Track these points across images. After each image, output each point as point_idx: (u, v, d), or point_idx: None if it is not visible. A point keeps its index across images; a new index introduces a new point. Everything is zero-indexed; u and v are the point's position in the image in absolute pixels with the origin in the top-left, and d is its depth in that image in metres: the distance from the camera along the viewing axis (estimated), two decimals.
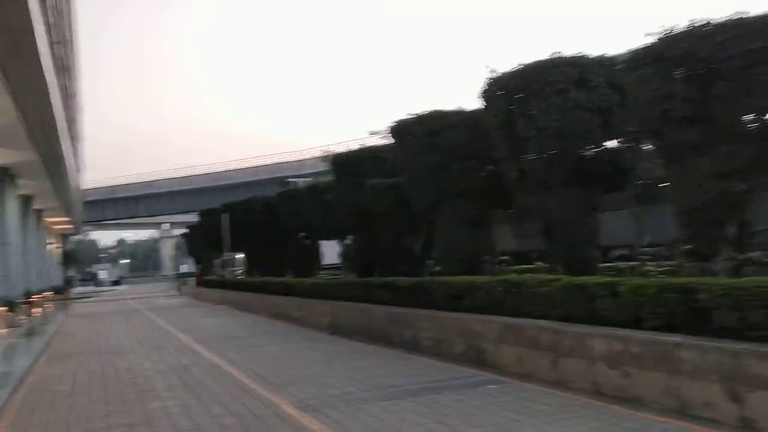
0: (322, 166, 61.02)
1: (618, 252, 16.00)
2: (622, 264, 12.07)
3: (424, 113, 13.43)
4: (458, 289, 10.53)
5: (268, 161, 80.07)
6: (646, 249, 13.20)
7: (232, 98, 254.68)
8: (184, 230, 62.88)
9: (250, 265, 31.57)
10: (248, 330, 16.54)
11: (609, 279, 7.64)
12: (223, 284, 29.92)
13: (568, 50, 10.34)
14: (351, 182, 16.73)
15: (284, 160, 78.60)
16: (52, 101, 17.98)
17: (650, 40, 8.29)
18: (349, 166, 17.00)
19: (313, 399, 7.61)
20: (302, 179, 52.66)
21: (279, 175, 74.11)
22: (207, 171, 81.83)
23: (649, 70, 8.27)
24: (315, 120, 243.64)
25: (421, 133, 13.19)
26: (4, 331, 18.32)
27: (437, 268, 16.66)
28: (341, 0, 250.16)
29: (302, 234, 24.02)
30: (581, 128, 9.79)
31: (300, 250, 23.91)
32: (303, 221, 21.85)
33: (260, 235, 27.36)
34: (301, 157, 76.44)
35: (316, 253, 23.88)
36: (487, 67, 11.03)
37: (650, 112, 8.45)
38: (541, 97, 10.03)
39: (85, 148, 55.42)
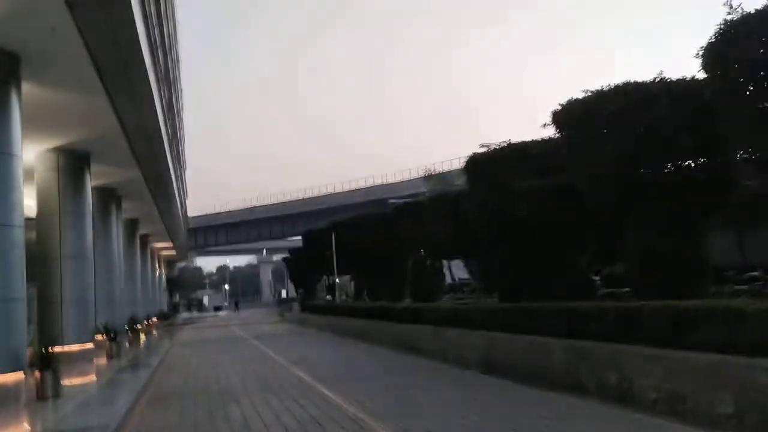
0: (423, 187, 58.38)
1: None
2: None
3: (605, 89, 10.37)
4: (690, 317, 7.36)
5: (363, 184, 79.05)
6: None
7: (321, 120, 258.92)
8: (283, 256, 62.29)
9: (359, 288, 29.22)
10: (375, 365, 13.87)
11: None
12: (332, 310, 27.69)
13: None
14: (492, 187, 13.87)
15: (383, 182, 76.96)
16: (156, 106, 16.43)
17: None
18: (490, 167, 14.10)
19: None
20: (402, 200, 50.55)
21: (375, 197, 72.60)
22: (302, 196, 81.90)
23: None
24: (415, 139, 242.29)
25: (602, 115, 10.14)
26: (104, 362, 16.71)
27: (607, 290, 13.46)
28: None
29: (423, 252, 21.32)
30: None
31: (420, 270, 21.16)
32: (426, 237, 19.17)
33: (372, 256, 24.93)
34: (400, 179, 74.63)
35: (439, 274, 21.05)
36: (726, 4, 7.89)
37: None
38: None
39: (187, 175, 55.95)
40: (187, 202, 54.19)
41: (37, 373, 9.97)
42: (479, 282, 16.72)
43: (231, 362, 16.45)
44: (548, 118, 11.64)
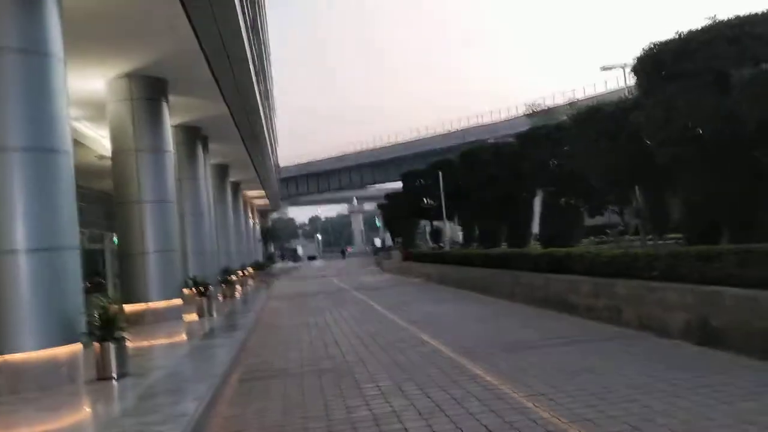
0: (524, 126, 53.54)
1: None
2: None
3: None
4: None
5: (456, 126, 74.87)
6: None
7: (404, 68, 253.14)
8: (377, 202, 59.97)
9: (468, 234, 25.99)
10: (526, 330, 10.64)
11: None
12: (440, 258, 24.66)
13: None
14: (687, 86, 10.06)
15: (479, 122, 72.39)
16: (239, 18, 13.58)
17: None
18: (682, 60, 10.23)
19: None
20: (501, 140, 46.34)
21: (471, 139, 68.33)
22: (392, 142, 78.72)
23: None
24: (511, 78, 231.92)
25: None
26: (195, 318, 14.59)
27: None
28: None
29: (551, 188, 17.73)
30: None
31: (552, 209, 17.61)
32: (561, 169, 15.57)
33: (485, 196, 21.54)
34: (497, 119, 69.83)
35: (578, 213, 17.38)
36: None
37: None
38: None
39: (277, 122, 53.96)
40: (277, 149, 52.50)
41: (96, 345, 7.55)
42: (647, 221, 13.01)
43: (339, 322, 13.84)
44: None
